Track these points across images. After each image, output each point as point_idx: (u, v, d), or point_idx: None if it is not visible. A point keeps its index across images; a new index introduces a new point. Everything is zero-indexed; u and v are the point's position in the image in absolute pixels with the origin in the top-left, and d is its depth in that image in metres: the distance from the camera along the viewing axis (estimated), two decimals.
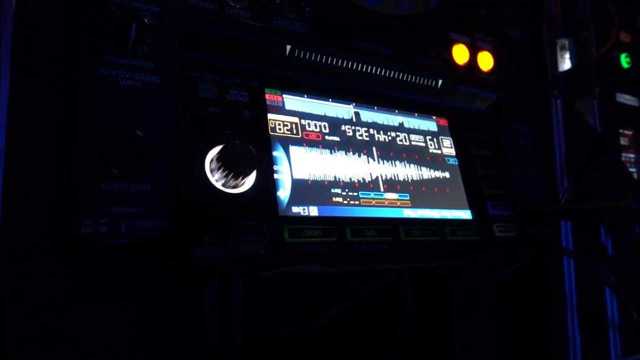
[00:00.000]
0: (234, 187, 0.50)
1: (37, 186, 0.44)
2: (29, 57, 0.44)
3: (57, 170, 0.45)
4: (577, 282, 0.84)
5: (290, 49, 0.58)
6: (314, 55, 0.60)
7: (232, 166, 0.48)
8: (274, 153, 0.55)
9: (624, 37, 0.98)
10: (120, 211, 0.45)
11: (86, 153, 0.44)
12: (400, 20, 0.66)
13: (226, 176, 0.49)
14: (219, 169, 0.49)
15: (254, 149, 0.50)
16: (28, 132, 0.44)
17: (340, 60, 0.61)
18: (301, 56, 0.59)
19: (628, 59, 0.97)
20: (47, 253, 0.44)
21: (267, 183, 0.52)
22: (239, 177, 0.49)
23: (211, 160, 0.50)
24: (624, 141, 0.98)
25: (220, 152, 0.49)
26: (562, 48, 0.88)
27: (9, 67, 0.43)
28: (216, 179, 0.50)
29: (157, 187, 0.47)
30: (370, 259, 0.56)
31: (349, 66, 0.62)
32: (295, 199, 0.54)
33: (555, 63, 0.88)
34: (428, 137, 0.69)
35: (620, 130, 0.97)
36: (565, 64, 0.88)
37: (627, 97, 0.98)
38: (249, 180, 0.51)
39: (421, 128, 0.69)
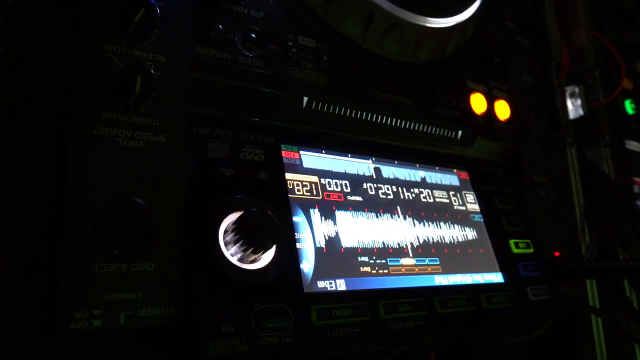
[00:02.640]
0: (253, 261, 0.43)
1: (16, 270, 0.36)
2: (13, 111, 0.37)
3: (42, 249, 0.36)
4: (607, 340, 0.78)
5: (308, 100, 0.52)
6: (332, 107, 0.54)
7: (252, 239, 0.41)
8: (294, 219, 0.48)
9: (627, 83, 0.97)
10: (119, 298, 0.37)
11: (78, 228, 0.37)
12: (419, 69, 0.62)
13: (244, 251, 0.42)
14: (235, 242, 0.42)
15: (275, 217, 0.43)
16: (8, 204, 0.36)
17: (360, 112, 0.56)
18: (319, 108, 0.53)
19: (633, 105, 0.96)
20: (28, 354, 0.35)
21: (288, 255, 0.45)
22: (259, 252, 0.42)
23: (225, 231, 0.43)
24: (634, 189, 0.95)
25: (237, 223, 0.42)
26: (572, 95, 0.86)
27: None
28: (232, 254, 0.42)
29: (162, 266, 0.40)
30: (405, 336, 0.49)
31: (370, 118, 0.57)
32: (320, 271, 0.47)
33: (565, 111, 0.85)
34: (451, 193, 0.64)
35: None
36: (577, 111, 0.85)
37: (634, 143, 0.96)
38: (269, 253, 0.44)
39: (443, 183, 0.64)
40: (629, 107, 0.96)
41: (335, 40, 0.55)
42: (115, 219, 0.38)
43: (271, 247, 0.43)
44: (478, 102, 0.68)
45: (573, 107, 0.86)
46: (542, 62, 0.82)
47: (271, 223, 0.42)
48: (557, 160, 0.80)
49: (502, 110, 0.71)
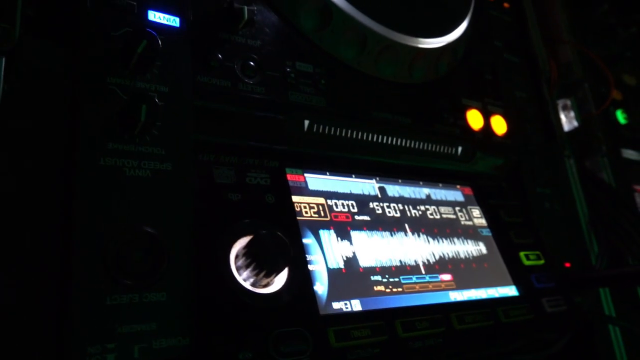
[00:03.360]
0: (266, 285, 0.42)
1: (26, 305, 0.35)
2: (20, 147, 0.37)
3: (52, 283, 0.36)
4: (627, 351, 0.77)
5: (309, 123, 0.53)
6: (333, 129, 0.55)
7: (264, 262, 0.41)
8: (305, 241, 0.47)
9: (616, 94, 0.99)
10: (132, 330, 0.36)
11: (87, 260, 0.36)
12: (415, 88, 0.63)
13: (257, 274, 0.41)
14: (247, 266, 0.41)
15: (285, 238, 0.42)
16: (16, 237, 0.35)
17: (361, 133, 0.56)
18: (320, 131, 0.54)
19: (624, 115, 0.97)
20: None
21: (302, 277, 0.44)
22: (271, 274, 0.41)
23: (236, 256, 0.42)
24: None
25: (247, 246, 0.41)
26: (565, 108, 0.87)
27: None
28: (244, 278, 0.41)
29: (175, 295, 0.39)
30: (426, 354, 0.47)
31: (370, 138, 0.57)
32: (334, 293, 0.46)
33: (559, 123, 0.86)
34: (457, 208, 0.63)
35: None
36: (571, 123, 0.86)
37: (630, 152, 0.97)
38: (281, 276, 0.43)
39: (448, 199, 0.64)
40: (620, 117, 0.97)
41: (331, 64, 0.56)
42: (125, 249, 0.37)
43: (283, 268, 0.42)
44: (475, 118, 0.69)
45: (567, 120, 0.87)
46: (532, 78, 0.84)
47: (282, 244, 0.41)
48: (557, 172, 0.80)
49: (499, 125, 0.72)
